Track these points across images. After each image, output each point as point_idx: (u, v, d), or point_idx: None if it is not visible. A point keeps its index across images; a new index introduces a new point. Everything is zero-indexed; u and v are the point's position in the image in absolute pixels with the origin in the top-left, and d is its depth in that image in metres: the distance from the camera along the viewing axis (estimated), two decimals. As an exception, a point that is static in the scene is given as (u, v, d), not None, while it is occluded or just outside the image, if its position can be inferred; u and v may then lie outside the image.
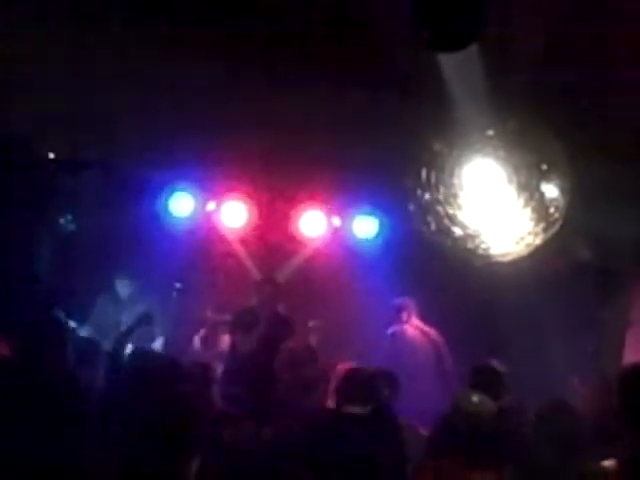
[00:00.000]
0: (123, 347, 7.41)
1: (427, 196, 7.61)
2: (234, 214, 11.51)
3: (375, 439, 6.58)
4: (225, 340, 10.75)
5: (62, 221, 10.90)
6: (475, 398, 6.19)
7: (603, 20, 7.03)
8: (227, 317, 11.07)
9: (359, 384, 7.09)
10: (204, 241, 11.53)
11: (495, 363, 8.07)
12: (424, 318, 10.88)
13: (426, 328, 10.81)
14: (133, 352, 7.55)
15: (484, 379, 7.42)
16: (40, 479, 5.38)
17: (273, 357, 8.97)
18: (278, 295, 10.28)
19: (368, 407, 6.96)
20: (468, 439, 5.75)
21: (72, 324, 10.23)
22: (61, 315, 10.19)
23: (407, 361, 9.96)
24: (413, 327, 10.83)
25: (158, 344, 10.52)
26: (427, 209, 7.65)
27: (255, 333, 9.79)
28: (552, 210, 7.58)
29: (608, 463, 5.56)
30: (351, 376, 7.22)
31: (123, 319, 10.55)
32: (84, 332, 10.24)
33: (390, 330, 10.84)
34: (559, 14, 6.95)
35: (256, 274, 11.51)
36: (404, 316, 10.81)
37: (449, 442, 5.91)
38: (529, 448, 6.23)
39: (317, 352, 9.11)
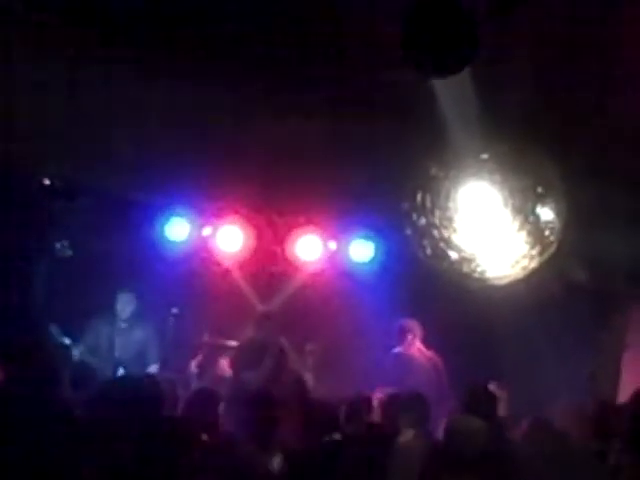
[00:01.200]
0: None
1: (423, 220, 7.63)
2: (230, 239, 11.50)
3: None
4: (222, 364, 10.74)
5: (58, 246, 10.87)
6: (467, 421, 6.20)
7: (597, 44, 7.06)
8: (224, 341, 11.09)
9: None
10: (200, 266, 11.52)
11: (490, 385, 8.07)
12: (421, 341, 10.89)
13: (426, 351, 10.81)
14: (121, 380, 7.54)
15: (478, 401, 7.41)
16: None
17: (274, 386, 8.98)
18: (278, 328, 10.38)
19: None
20: (459, 461, 5.75)
21: (66, 341, 10.24)
22: (55, 332, 10.22)
23: (411, 383, 9.92)
24: (416, 349, 10.83)
25: (153, 369, 10.49)
26: (423, 233, 7.66)
27: (261, 370, 9.87)
28: (547, 233, 7.60)
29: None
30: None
31: (117, 342, 10.54)
32: (77, 352, 10.22)
33: (395, 351, 10.83)
34: (551, 38, 6.98)
35: (252, 298, 11.51)
36: (409, 338, 10.80)
37: (441, 464, 5.92)
38: (520, 470, 6.22)
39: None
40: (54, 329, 10.24)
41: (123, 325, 10.74)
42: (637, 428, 5.74)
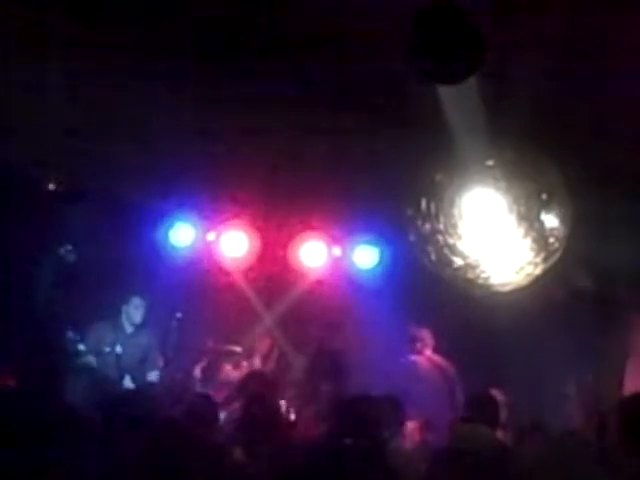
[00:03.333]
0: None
1: (427, 226, 7.63)
2: (234, 244, 11.51)
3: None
4: (226, 370, 10.75)
5: (62, 252, 10.87)
6: (472, 429, 6.20)
7: (603, 49, 7.07)
8: (228, 347, 11.09)
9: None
10: (204, 271, 11.52)
11: (493, 392, 8.06)
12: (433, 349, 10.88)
13: (438, 359, 10.77)
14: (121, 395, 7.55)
15: (482, 408, 7.41)
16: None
17: None
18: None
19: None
20: (466, 471, 5.75)
21: (82, 347, 10.23)
22: (72, 337, 10.20)
23: (416, 392, 9.90)
24: (425, 358, 10.79)
25: (154, 376, 10.49)
26: (427, 239, 7.66)
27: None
28: (552, 240, 7.60)
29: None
30: None
31: (120, 349, 10.50)
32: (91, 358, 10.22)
33: (402, 360, 10.80)
34: (558, 44, 6.99)
35: (256, 304, 11.51)
36: (418, 346, 10.78)
37: (447, 474, 5.91)
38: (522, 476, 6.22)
39: None
40: (71, 334, 10.23)
41: (129, 330, 10.73)
42: (636, 429, 5.75)
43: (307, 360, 10.81)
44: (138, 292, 10.72)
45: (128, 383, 10.13)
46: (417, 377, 10.62)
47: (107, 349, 10.45)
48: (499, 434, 7.60)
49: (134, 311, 10.72)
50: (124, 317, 10.74)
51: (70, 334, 10.25)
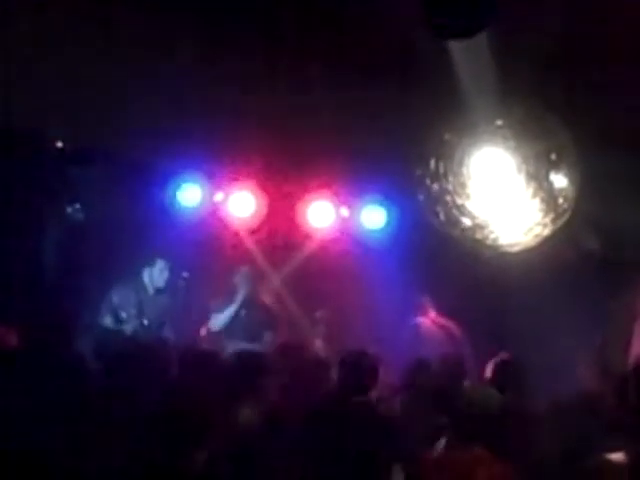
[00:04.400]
0: None
1: (436, 186, 7.60)
2: (242, 204, 11.47)
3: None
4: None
5: (70, 210, 10.85)
6: (482, 391, 6.18)
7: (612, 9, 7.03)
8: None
9: None
10: (212, 231, 11.51)
11: (508, 356, 8.03)
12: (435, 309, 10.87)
13: (444, 322, 10.75)
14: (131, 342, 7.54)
15: (507, 374, 7.37)
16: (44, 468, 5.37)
17: None
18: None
19: None
20: (473, 431, 5.74)
21: (123, 315, 10.25)
22: (111, 305, 10.22)
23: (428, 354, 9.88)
24: (430, 320, 10.78)
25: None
26: (436, 199, 7.64)
27: None
28: (561, 201, 7.58)
29: (616, 456, 5.52)
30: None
31: (146, 309, 10.47)
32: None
33: (413, 322, 10.79)
34: (566, 7, 6.95)
35: (264, 264, 11.50)
36: (422, 309, 10.76)
37: (454, 434, 5.91)
38: (535, 443, 6.20)
39: None
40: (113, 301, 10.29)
41: (151, 292, 10.69)
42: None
43: None
44: (163, 255, 10.70)
45: None
46: (423, 340, 10.61)
47: (132, 311, 10.42)
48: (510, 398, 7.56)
49: (158, 274, 10.69)
50: (147, 279, 10.71)
51: (115, 300, 10.29)
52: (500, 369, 7.49)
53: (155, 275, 10.65)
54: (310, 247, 11.62)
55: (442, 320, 10.80)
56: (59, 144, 10.51)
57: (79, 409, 5.68)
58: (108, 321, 10.16)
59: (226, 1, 7.63)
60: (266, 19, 7.86)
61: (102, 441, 5.46)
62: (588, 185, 7.67)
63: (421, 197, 7.71)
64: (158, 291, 10.64)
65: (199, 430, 5.10)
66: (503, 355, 7.78)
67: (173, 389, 6.08)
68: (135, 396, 5.88)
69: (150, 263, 10.63)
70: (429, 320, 10.82)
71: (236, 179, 11.38)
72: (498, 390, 6.47)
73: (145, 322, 10.35)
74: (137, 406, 5.68)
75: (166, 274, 10.66)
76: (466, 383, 7.69)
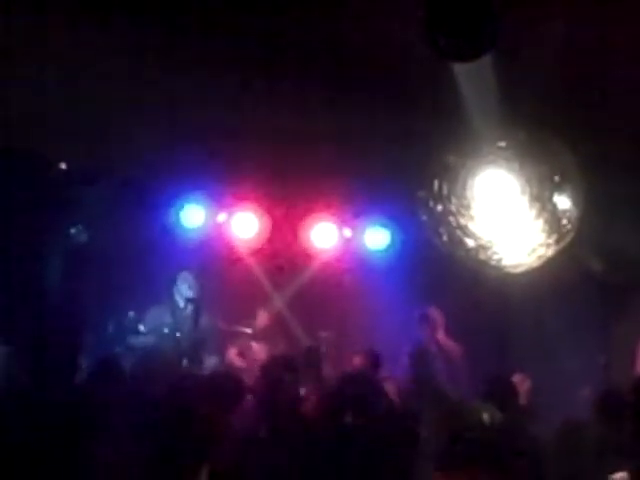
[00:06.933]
0: None
1: (439, 207, 7.62)
2: (245, 225, 11.50)
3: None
4: (231, 353, 10.75)
5: (73, 231, 10.86)
6: (481, 411, 6.16)
7: (615, 29, 7.04)
8: (237, 328, 11.08)
9: None
10: (215, 252, 11.52)
11: (510, 374, 8.04)
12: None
13: (444, 341, 10.68)
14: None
15: (497, 391, 7.37)
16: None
17: None
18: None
19: None
20: (472, 452, 5.72)
21: (142, 328, 10.27)
22: (133, 317, 10.26)
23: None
24: (434, 340, 10.69)
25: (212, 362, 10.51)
26: (439, 220, 7.65)
27: None
28: (564, 222, 7.59)
29: (619, 476, 5.52)
30: None
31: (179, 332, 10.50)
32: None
33: (412, 342, 10.75)
34: (572, 25, 6.96)
35: (267, 286, 11.51)
36: (427, 328, 10.69)
37: (452, 455, 5.89)
38: (538, 465, 6.19)
39: None
40: (132, 315, 10.31)
41: (182, 304, 10.71)
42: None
43: None
44: (187, 267, 10.78)
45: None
46: (422, 360, 10.57)
47: (166, 330, 10.44)
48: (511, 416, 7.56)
49: (189, 287, 10.76)
50: (177, 296, 10.76)
51: (131, 314, 10.31)
52: (502, 388, 7.50)
53: (183, 288, 10.70)
54: (313, 268, 11.63)
55: (444, 340, 10.76)
56: (62, 165, 10.52)
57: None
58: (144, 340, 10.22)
59: (227, 24, 7.64)
60: (267, 42, 7.87)
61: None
62: (591, 206, 7.68)
63: (424, 218, 7.72)
64: (189, 301, 10.65)
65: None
66: (506, 375, 7.81)
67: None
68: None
69: (174, 277, 10.69)
70: (431, 340, 10.77)
71: (239, 200, 11.39)
72: (499, 409, 6.48)
73: (177, 334, 10.40)
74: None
75: (195, 284, 10.70)
76: (465, 404, 7.66)
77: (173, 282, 10.78)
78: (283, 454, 6.41)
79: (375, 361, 9.50)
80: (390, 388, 8.39)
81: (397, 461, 6.54)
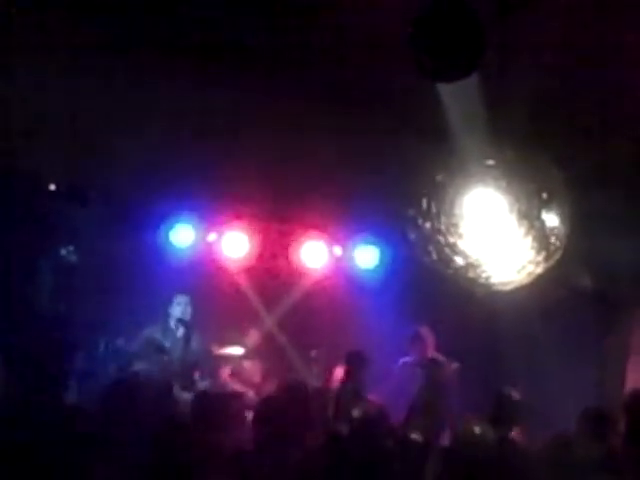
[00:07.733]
0: None
1: (428, 225, 7.62)
2: (235, 244, 11.50)
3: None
4: (223, 374, 10.73)
5: (64, 252, 10.85)
6: (475, 428, 6.17)
7: (604, 51, 7.08)
8: (227, 351, 11.05)
9: None
10: (205, 272, 11.51)
11: (510, 392, 8.04)
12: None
13: (436, 358, 10.65)
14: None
15: (496, 408, 7.39)
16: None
17: None
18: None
19: None
20: (466, 470, 5.73)
21: (166, 344, 10.27)
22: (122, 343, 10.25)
23: (410, 392, 9.85)
24: (422, 359, 10.65)
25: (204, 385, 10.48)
26: (428, 238, 7.65)
27: None
28: (553, 239, 7.58)
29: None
30: None
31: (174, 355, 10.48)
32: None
33: (401, 361, 10.73)
34: (556, 44, 7.00)
35: (258, 305, 11.51)
36: (418, 346, 10.67)
37: (448, 473, 5.90)
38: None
39: None
40: (121, 341, 10.31)
41: (178, 331, 10.71)
42: (636, 426, 5.76)
43: None
44: (182, 291, 10.75)
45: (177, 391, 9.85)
46: (411, 378, 10.55)
47: (157, 352, 10.43)
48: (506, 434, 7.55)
49: (184, 308, 10.76)
50: (171, 319, 10.75)
51: (121, 340, 10.30)
52: (496, 404, 7.52)
53: (178, 310, 10.68)
54: (304, 286, 11.64)
55: (435, 356, 10.75)
56: (52, 186, 10.52)
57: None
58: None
59: (223, 42, 7.67)
60: (262, 61, 7.91)
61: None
62: (579, 223, 7.69)
63: (413, 236, 7.72)
64: (180, 322, 10.64)
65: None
66: (499, 390, 7.82)
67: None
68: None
69: (169, 299, 10.67)
70: (420, 358, 10.74)
71: (229, 219, 11.40)
72: (494, 424, 6.49)
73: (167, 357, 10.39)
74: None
75: (188, 308, 10.67)
76: (460, 423, 7.66)
77: (167, 304, 10.77)
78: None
79: (358, 363, 9.52)
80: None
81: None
